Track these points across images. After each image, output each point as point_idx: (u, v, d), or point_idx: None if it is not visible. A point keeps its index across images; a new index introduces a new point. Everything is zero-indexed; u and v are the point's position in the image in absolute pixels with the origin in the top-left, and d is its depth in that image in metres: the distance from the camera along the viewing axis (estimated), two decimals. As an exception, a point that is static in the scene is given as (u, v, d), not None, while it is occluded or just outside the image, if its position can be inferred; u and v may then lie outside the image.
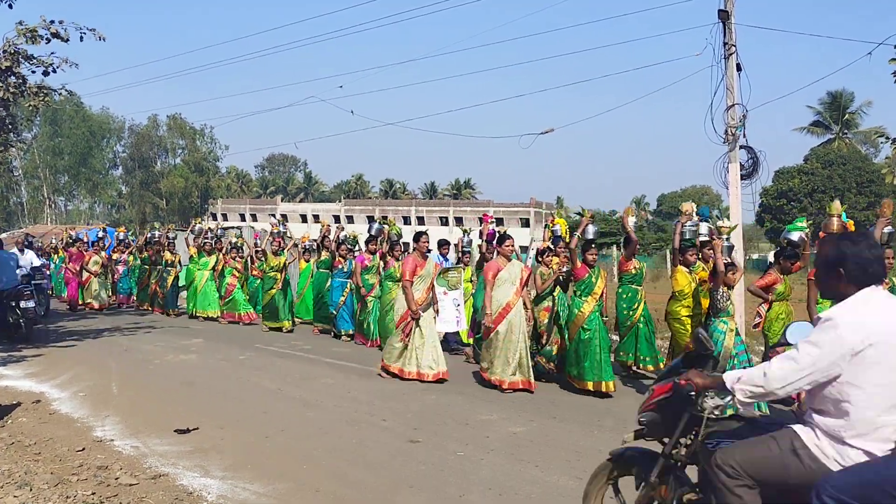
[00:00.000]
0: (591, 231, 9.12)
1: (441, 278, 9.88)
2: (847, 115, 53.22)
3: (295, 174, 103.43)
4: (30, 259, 15.53)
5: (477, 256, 11.84)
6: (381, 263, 11.89)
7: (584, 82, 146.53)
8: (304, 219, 74.93)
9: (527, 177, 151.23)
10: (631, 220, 9.17)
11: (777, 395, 2.91)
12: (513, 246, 8.76)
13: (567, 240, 9.40)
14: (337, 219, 73.00)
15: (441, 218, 74.69)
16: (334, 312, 12.87)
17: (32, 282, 13.65)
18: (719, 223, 8.36)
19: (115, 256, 18.61)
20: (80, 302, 17.98)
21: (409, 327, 8.87)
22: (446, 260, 12.21)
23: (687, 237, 8.27)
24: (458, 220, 71.41)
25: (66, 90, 12.63)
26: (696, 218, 8.51)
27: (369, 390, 8.38)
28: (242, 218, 73.28)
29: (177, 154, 59.21)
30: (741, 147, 11.58)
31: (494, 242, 9.47)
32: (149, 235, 18.43)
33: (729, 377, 3.01)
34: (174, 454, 5.79)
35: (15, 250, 15.07)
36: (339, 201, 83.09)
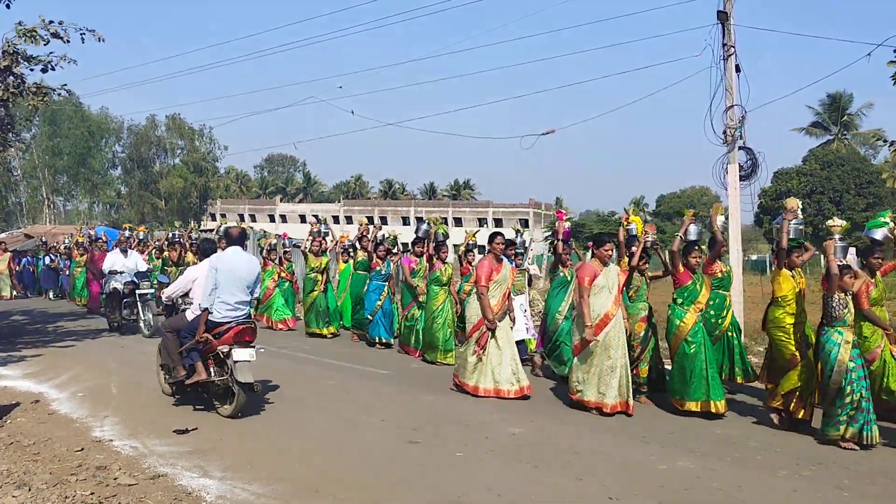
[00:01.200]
0: (693, 231, 8.20)
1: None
2: (846, 117, 53.31)
3: (294, 175, 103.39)
4: (134, 262, 13.75)
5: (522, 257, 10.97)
6: (427, 266, 11.07)
7: (584, 83, 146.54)
8: (302, 219, 74.91)
9: (526, 177, 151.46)
10: (720, 219, 8.29)
11: None
12: (611, 250, 7.74)
13: (634, 238, 8.56)
14: (336, 219, 73.02)
15: (442, 218, 74.54)
16: (369, 318, 11.97)
17: (137, 291, 13.02)
18: (829, 222, 7.60)
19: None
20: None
21: (485, 338, 8.02)
22: (510, 262, 11.57)
23: (792, 236, 7.40)
24: (458, 221, 71.43)
25: (64, 90, 12.62)
26: (801, 216, 7.67)
27: (368, 392, 8.38)
28: (241, 218, 73.12)
29: (176, 154, 59.24)
30: (740, 148, 11.59)
31: (588, 244, 8.16)
32: (170, 235, 17.66)
33: None
34: (173, 454, 5.79)
35: (116, 252, 13.84)
36: (339, 202, 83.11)
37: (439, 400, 7.93)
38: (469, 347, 8.19)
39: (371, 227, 13.21)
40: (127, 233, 19.12)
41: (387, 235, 13.12)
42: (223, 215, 74.83)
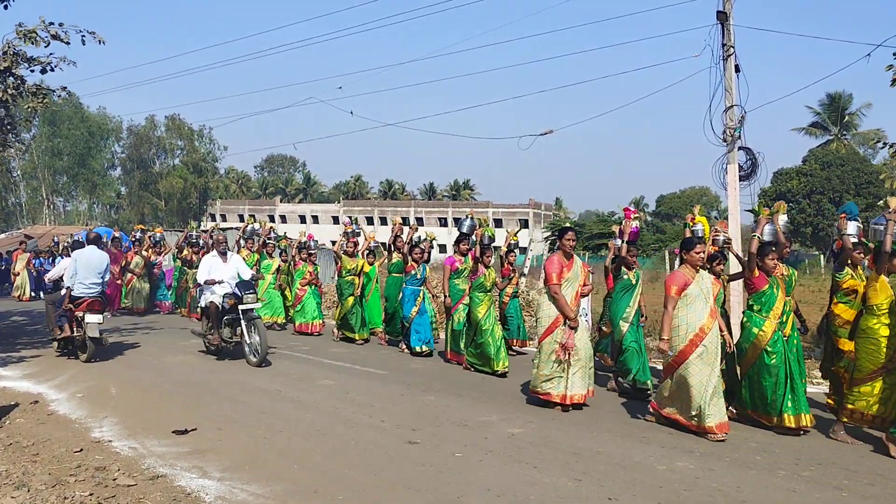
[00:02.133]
0: (768, 231, 7.40)
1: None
2: (846, 117, 53.33)
3: (294, 175, 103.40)
4: (235, 269, 10.72)
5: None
6: (472, 267, 10.16)
7: (583, 83, 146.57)
8: (302, 220, 75.02)
9: (525, 178, 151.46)
10: (782, 219, 7.60)
11: None
12: (703, 253, 6.93)
13: (706, 240, 7.95)
14: (336, 219, 73.04)
15: (440, 219, 74.73)
16: (406, 324, 11.24)
17: (240, 306, 10.10)
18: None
19: (151, 259, 17.59)
20: (121, 305, 17.05)
21: (572, 338, 7.32)
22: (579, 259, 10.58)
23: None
24: (457, 221, 71.41)
25: (64, 91, 12.62)
26: None
27: (367, 392, 8.37)
28: (241, 219, 73.23)
29: (175, 155, 59.20)
30: (740, 148, 11.60)
31: (682, 248, 7.09)
32: (187, 235, 17.30)
33: None
34: (172, 455, 5.78)
35: (213, 255, 11.00)
36: (338, 202, 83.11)
37: (439, 400, 7.92)
38: (541, 355, 7.50)
39: (407, 227, 12.18)
40: (138, 234, 18.73)
41: (423, 236, 12.09)
42: (223, 216, 75.06)
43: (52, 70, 11.78)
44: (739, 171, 11.61)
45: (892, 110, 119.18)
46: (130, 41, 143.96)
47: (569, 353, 7.32)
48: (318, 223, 74.22)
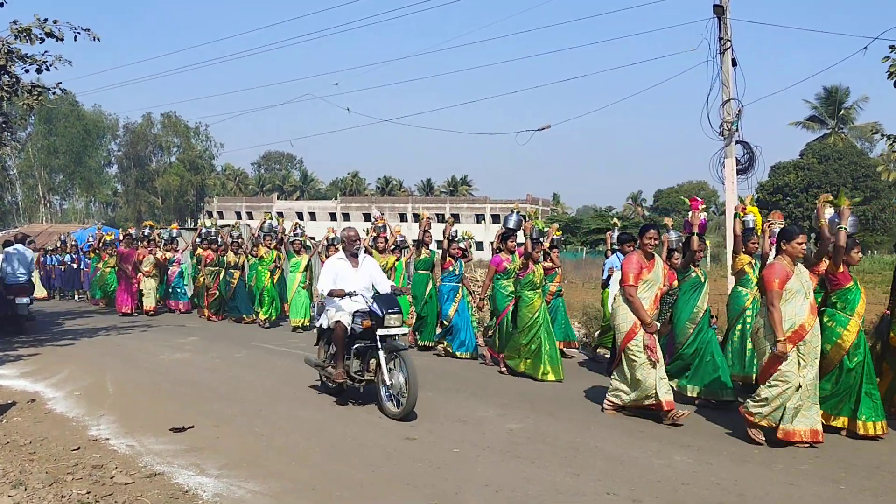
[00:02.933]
0: (852, 223, 6.78)
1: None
2: (843, 111, 53.38)
3: (291, 172, 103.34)
4: (369, 276, 7.79)
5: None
6: (520, 266, 9.40)
7: (580, 78, 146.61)
8: (300, 216, 74.90)
9: (523, 173, 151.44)
10: (828, 212, 6.91)
11: None
12: (805, 243, 6.24)
13: (752, 232, 7.71)
14: (333, 216, 72.99)
15: (438, 215, 74.60)
16: (446, 323, 10.57)
17: (379, 331, 7.01)
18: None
19: (168, 256, 17.03)
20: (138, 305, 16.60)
21: (653, 342, 6.78)
22: (622, 256, 9.44)
23: None
24: (455, 217, 71.33)
25: (60, 88, 12.59)
26: None
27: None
28: (238, 216, 73.18)
29: (172, 152, 59.17)
30: (737, 142, 11.63)
31: (776, 239, 6.51)
32: (203, 232, 16.50)
33: None
34: (169, 453, 5.77)
35: (340, 258, 8.36)
36: (336, 199, 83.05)
37: (436, 397, 7.91)
38: (624, 363, 6.87)
39: (448, 222, 11.32)
40: (147, 230, 17.92)
41: (461, 234, 11.38)
42: (220, 213, 74.94)
43: (48, 69, 11.76)
44: (737, 165, 11.64)
45: (889, 104, 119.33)
46: (126, 38, 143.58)
47: (654, 352, 6.75)
48: (315, 220, 74.12)
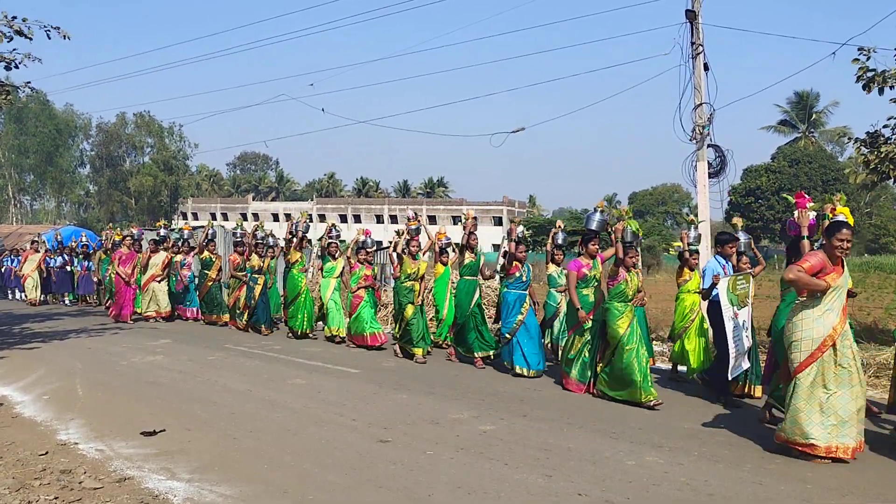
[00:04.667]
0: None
1: (729, 292, 6.89)
2: (813, 115, 54.25)
3: (267, 173, 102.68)
4: None
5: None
6: (599, 273, 8.63)
7: (554, 81, 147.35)
8: (275, 218, 74.41)
9: (499, 175, 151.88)
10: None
11: None
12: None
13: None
14: (309, 217, 72.56)
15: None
16: (507, 337, 9.36)
17: None
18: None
19: (178, 259, 15.44)
20: (138, 311, 15.27)
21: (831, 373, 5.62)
22: (726, 262, 8.07)
23: None
24: (432, 219, 71.40)
25: (29, 87, 12.41)
26: None
27: (339, 391, 8.34)
28: (213, 217, 72.55)
29: (145, 152, 58.50)
30: (709, 145, 11.76)
31: (827, 233, 5.90)
32: (210, 233, 15.25)
33: None
34: (140, 457, 5.71)
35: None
36: (312, 200, 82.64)
37: (411, 398, 7.91)
38: (798, 392, 5.63)
39: (513, 223, 10.15)
40: (163, 231, 16.19)
41: (523, 234, 10.03)
42: (195, 214, 74.25)
43: (17, 67, 11.59)
44: (709, 169, 11.78)
45: (858, 108, 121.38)
46: (99, 38, 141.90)
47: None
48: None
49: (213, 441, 6.23)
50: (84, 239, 21.57)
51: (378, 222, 71.17)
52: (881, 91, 9.72)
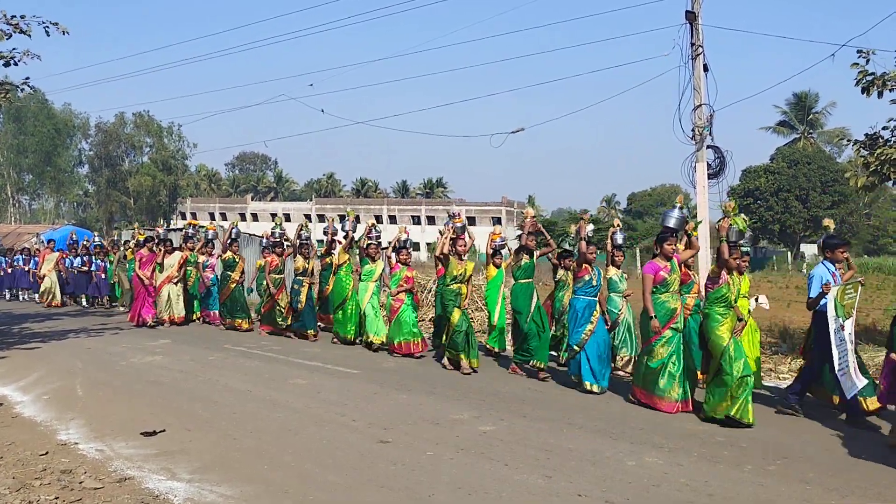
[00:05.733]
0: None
1: (837, 302, 6.49)
2: (812, 116, 54.31)
3: (265, 173, 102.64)
4: None
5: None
6: (679, 277, 7.80)
7: (554, 82, 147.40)
8: (274, 217, 74.53)
9: (498, 175, 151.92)
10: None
11: None
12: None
13: None
14: (308, 218, 72.54)
15: (413, 217, 74.62)
16: (576, 349, 8.46)
17: None
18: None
19: (202, 260, 14.82)
20: (159, 314, 14.38)
21: None
22: (835, 269, 7.32)
23: None
24: (430, 220, 71.44)
25: (28, 85, 12.38)
26: None
27: (339, 391, 8.34)
28: (212, 217, 72.50)
29: (144, 152, 58.50)
30: (708, 146, 11.76)
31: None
32: (234, 232, 14.44)
33: None
34: (140, 457, 5.71)
35: None
36: (311, 200, 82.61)
37: (411, 398, 7.92)
38: None
39: (582, 220, 8.95)
40: (190, 230, 15.53)
41: (592, 231, 9.02)
42: (193, 214, 74.16)
43: (16, 64, 11.58)
44: (708, 170, 11.78)
45: (857, 109, 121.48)
46: (99, 37, 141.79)
47: None
48: (290, 221, 73.64)
49: (214, 441, 6.23)
50: (86, 241, 21.39)
51: (378, 222, 71.08)
52: (880, 94, 9.72)
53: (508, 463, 5.58)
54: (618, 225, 9.40)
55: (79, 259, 19.66)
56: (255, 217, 76.84)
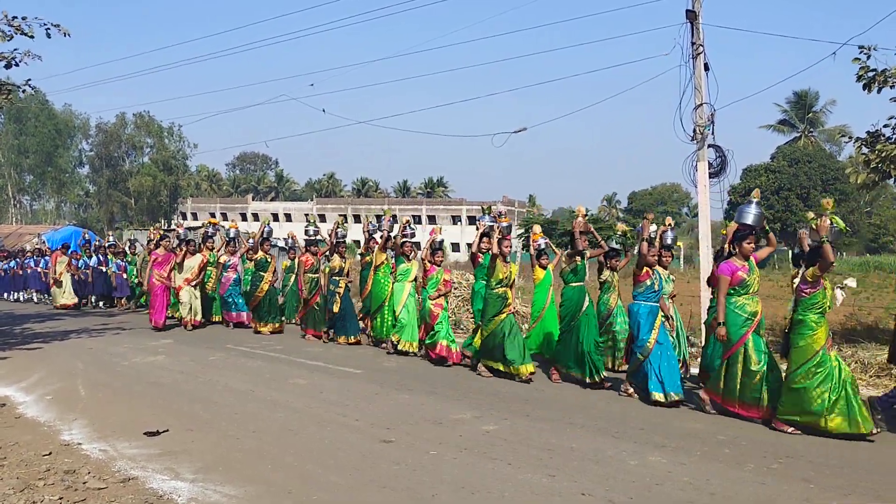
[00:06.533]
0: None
1: None
2: (812, 114, 54.31)
3: (266, 173, 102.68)
4: None
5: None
6: (755, 279, 7.20)
7: (554, 81, 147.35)
8: (275, 218, 74.50)
9: (499, 175, 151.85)
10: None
11: None
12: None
13: None
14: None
15: (414, 216, 74.63)
16: (640, 358, 7.80)
17: None
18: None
19: (223, 260, 14.54)
20: (179, 317, 14.12)
21: None
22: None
23: None
24: (431, 219, 71.40)
25: (29, 85, 12.40)
26: None
27: (341, 391, 8.35)
28: (212, 217, 72.51)
29: (145, 153, 58.58)
30: (709, 145, 11.75)
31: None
32: (266, 230, 13.92)
33: None
34: (143, 457, 5.73)
35: None
36: (311, 200, 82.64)
37: (413, 398, 7.92)
38: None
39: (645, 220, 8.49)
40: (210, 229, 15.03)
41: (656, 229, 8.50)
42: (194, 214, 74.26)
43: (17, 65, 11.60)
44: (709, 169, 11.76)
45: (857, 107, 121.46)
46: (99, 38, 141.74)
47: None
48: (291, 221, 73.68)
49: (216, 441, 6.24)
50: (101, 239, 21.27)
51: (378, 222, 71.08)
52: (880, 90, 9.73)
53: (511, 462, 5.59)
54: (669, 223, 9.01)
55: (94, 258, 19.17)
56: (255, 217, 76.88)
